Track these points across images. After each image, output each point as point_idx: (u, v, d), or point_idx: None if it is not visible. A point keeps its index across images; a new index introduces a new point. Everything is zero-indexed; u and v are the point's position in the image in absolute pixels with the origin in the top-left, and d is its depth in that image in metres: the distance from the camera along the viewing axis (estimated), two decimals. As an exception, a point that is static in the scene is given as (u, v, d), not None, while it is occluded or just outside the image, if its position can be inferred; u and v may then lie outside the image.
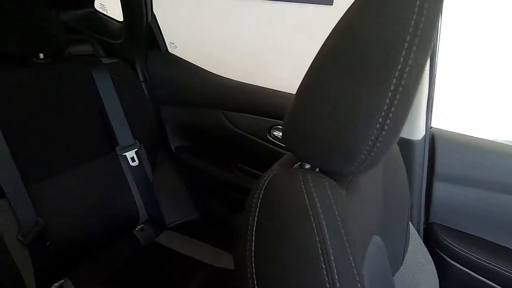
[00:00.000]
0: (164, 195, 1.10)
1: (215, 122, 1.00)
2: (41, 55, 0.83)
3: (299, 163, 0.36)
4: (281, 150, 0.91)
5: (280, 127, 0.91)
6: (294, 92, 0.34)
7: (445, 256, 0.76)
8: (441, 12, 0.37)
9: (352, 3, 0.30)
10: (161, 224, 1.09)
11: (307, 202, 0.29)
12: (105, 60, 0.96)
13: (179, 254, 0.93)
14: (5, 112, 0.71)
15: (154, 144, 1.09)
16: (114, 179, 0.95)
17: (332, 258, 0.26)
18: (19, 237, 0.71)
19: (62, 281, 0.81)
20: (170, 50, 1.08)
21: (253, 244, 0.30)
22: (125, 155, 0.96)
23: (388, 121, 0.27)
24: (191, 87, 1.02)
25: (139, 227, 1.04)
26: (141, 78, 1.06)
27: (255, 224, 0.30)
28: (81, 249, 0.86)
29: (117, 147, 0.94)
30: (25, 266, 0.73)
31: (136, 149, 0.98)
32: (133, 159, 0.97)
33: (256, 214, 0.31)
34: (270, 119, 0.91)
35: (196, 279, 0.82)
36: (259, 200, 0.32)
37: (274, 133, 0.92)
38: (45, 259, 0.76)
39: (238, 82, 0.99)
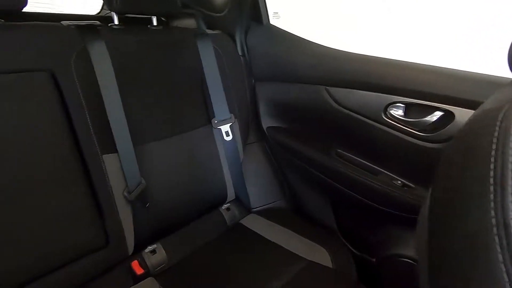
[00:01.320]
0: (252, 177, 1.05)
1: (316, 100, 0.89)
2: (154, 22, 0.85)
3: None
4: (399, 134, 0.75)
5: (400, 104, 0.75)
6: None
7: None
8: None
9: None
10: (246, 206, 1.04)
11: None
12: (209, 32, 0.95)
13: (268, 241, 0.85)
14: (121, 75, 0.73)
15: (247, 122, 1.04)
16: (208, 152, 0.93)
17: None
18: (125, 193, 0.72)
19: (155, 245, 0.81)
20: (273, 20, 1.02)
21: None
22: (220, 129, 0.93)
23: None
24: (292, 60, 0.94)
25: (225, 205, 1.01)
26: (240, 52, 1.02)
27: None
28: (173, 217, 0.85)
29: (213, 119, 0.92)
30: (127, 225, 0.74)
31: (230, 123, 0.94)
32: (227, 134, 0.94)
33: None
34: (386, 95, 0.76)
35: (291, 271, 0.73)
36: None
37: (391, 112, 0.77)
38: (143, 221, 0.77)
39: (346, 53, 0.86)
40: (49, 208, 0.62)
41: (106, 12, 1.13)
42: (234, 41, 1.01)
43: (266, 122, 1.06)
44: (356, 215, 0.97)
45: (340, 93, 0.84)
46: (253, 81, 1.05)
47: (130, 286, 0.71)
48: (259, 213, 1.00)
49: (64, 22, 0.71)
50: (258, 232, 0.90)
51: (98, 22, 0.76)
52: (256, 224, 0.94)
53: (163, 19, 1.06)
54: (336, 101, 0.85)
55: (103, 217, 0.70)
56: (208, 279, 0.74)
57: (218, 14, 1.03)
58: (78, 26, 0.70)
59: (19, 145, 0.59)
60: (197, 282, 0.73)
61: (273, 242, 0.84)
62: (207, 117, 0.92)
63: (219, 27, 1.02)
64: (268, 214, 0.98)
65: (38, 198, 0.61)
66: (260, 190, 1.06)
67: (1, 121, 0.57)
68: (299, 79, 0.92)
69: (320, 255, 0.78)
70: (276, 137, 1.03)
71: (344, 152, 0.91)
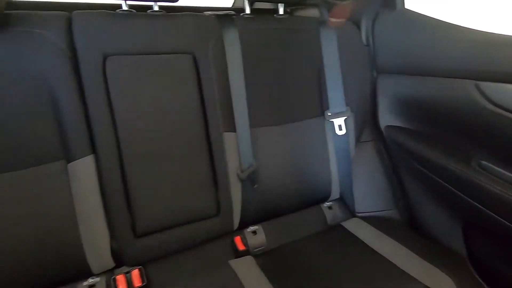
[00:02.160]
0: (361, 178, 0.96)
1: (458, 98, 0.73)
2: (281, 11, 0.88)
3: None
4: None
5: None
6: None
7: None
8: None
9: None
10: (350, 209, 0.96)
11: None
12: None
13: (373, 251, 0.75)
14: (247, 60, 0.77)
15: (363, 118, 0.95)
16: (316, 145, 0.90)
17: None
18: (238, 171, 0.77)
19: (257, 227, 0.84)
20: (408, 4, 0.90)
21: None
22: (332, 121, 0.88)
23: None
24: (431, 50, 0.80)
25: (328, 203, 0.96)
26: (365, 42, 0.94)
27: None
28: (277, 203, 0.86)
29: (327, 111, 0.88)
30: (236, 200, 0.79)
31: (346, 117, 0.88)
32: (340, 127, 0.88)
33: None
34: None
35: None
36: None
37: None
38: (250, 201, 0.80)
39: (508, 37, 0.67)
40: (178, 174, 0.72)
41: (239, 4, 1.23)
42: (359, 29, 0.94)
43: (385, 120, 0.95)
44: (498, 244, 0.75)
45: (496, 89, 0.66)
46: (375, 73, 0.95)
47: (231, 259, 0.75)
48: (364, 219, 0.91)
49: (206, 13, 0.80)
50: (361, 238, 0.81)
51: (233, 12, 0.83)
52: (360, 229, 0.85)
53: (287, 10, 1.08)
54: (489, 100, 0.68)
55: (217, 188, 0.76)
56: (304, 273, 0.71)
57: (344, 2, 0.97)
58: (217, 16, 0.78)
59: (162, 115, 0.69)
60: (293, 273, 0.71)
61: (380, 254, 0.74)
62: (321, 109, 0.89)
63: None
64: (375, 222, 0.88)
65: (172, 164, 0.71)
66: (368, 194, 0.96)
67: (155, 92, 0.68)
68: (438, 72, 0.78)
69: (443, 284, 0.64)
70: (396, 138, 0.90)
71: (491, 165, 0.71)
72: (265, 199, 0.83)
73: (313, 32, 0.86)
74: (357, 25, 0.94)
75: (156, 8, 0.74)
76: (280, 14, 0.88)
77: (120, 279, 0.67)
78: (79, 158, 0.62)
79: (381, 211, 0.95)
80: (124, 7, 0.70)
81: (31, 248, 0.60)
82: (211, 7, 0.92)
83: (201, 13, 0.78)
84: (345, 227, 0.87)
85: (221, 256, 0.78)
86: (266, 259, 0.76)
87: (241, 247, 0.78)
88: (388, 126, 0.94)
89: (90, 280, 0.66)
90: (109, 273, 0.69)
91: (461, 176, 0.73)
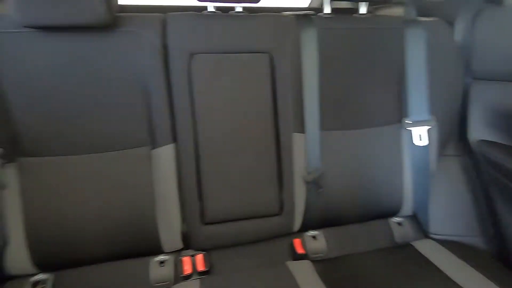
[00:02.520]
0: (440, 196, 0.85)
1: None
2: (362, 10, 0.83)
3: None
4: None
5: None
6: None
7: None
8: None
9: None
10: (422, 228, 0.87)
11: None
12: (422, 19, 0.83)
13: (452, 281, 0.66)
14: (324, 61, 0.76)
15: (449, 129, 0.85)
16: (390, 154, 0.83)
17: None
18: (304, 173, 0.76)
19: (317, 232, 0.82)
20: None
21: None
22: (410, 130, 0.81)
23: None
24: None
25: (397, 219, 0.88)
26: (460, 44, 0.83)
27: None
28: (341, 211, 0.82)
29: (405, 118, 0.80)
30: (299, 202, 0.78)
31: (429, 127, 0.79)
32: (420, 138, 0.80)
33: None
34: None
35: None
36: None
37: None
38: (313, 204, 0.79)
39: None
40: (247, 169, 0.74)
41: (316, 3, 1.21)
42: (453, 29, 0.84)
43: (477, 134, 0.83)
44: None
45: None
46: (469, 79, 0.83)
47: (288, 260, 0.75)
48: (439, 241, 0.81)
49: (285, 13, 0.81)
50: (434, 262, 0.72)
51: (312, 12, 0.82)
52: (433, 252, 0.76)
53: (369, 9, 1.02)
54: None
55: (282, 188, 0.77)
56: (365, 287, 0.67)
57: (434, 0, 0.88)
58: (296, 16, 0.78)
59: (236, 111, 0.72)
60: (354, 285, 0.68)
61: (455, 283, 0.65)
62: (399, 116, 0.82)
63: (437, 13, 0.87)
64: (453, 246, 0.78)
65: (241, 159, 0.73)
66: (447, 215, 0.85)
67: (232, 89, 0.72)
68: None
69: None
70: (490, 154, 0.78)
71: None
72: (328, 205, 0.80)
73: (397, 33, 0.80)
74: (451, 24, 0.84)
75: (238, 9, 0.77)
76: (362, 14, 0.83)
77: (186, 261, 0.72)
78: (161, 146, 0.69)
79: (461, 236, 0.84)
80: (210, 9, 0.75)
81: (114, 220, 0.68)
82: (290, 8, 0.92)
83: (279, 13, 0.79)
84: (416, 247, 0.79)
85: (279, 256, 0.78)
86: (325, 266, 0.74)
87: (299, 250, 0.77)
88: (481, 141, 0.81)
89: (161, 257, 0.73)
90: (177, 253, 0.75)
91: None
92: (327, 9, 0.83)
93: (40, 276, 0.67)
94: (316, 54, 0.75)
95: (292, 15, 0.79)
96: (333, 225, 0.84)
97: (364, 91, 0.80)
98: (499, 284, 0.64)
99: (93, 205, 0.67)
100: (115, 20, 0.66)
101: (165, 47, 0.69)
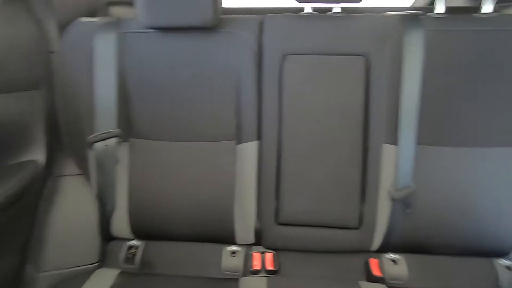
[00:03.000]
0: None
1: None
2: (487, 9, 0.71)
3: None
4: None
5: None
6: None
7: None
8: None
9: None
10: None
11: None
12: None
13: None
14: (430, 66, 0.67)
15: None
16: (506, 180, 0.69)
17: None
18: (391, 188, 0.69)
19: (398, 257, 0.73)
20: None
21: None
22: None
23: None
24: None
25: (506, 262, 0.72)
26: None
27: None
28: (432, 237, 0.72)
29: None
30: (381, 219, 0.71)
31: None
32: None
33: None
34: None
35: None
36: None
37: None
38: (398, 225, 0.71)
39: None
40: (328, 176, 0.71)
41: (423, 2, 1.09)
42: None
43: None
44: None
45: None
46: None
47: (361, 280, 0.69)
48: None
49: (388, 13, 0.74)
50: None
51: (420, 12, 0.73)
52: None
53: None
54: None
55: (364, 201, 0.71)
56: None
57: None
58: (400, 16, 0.71)
59: (324, 115, 0.70)
60: None
61: None
62: None
63: None
64: None
65: (323, 166, 0.71)
66: None
67: (322, 92, 0.70)
68: None
69: None
70: None
71: None
72: (416, 229, 0.71)
73: None
74: None
75: (337, 9, 0.74)
76: (485, 13, 0.70)
77: (256, 256, 0.74)
78: (246, 142, 0.72)
79: None
80: (307, 10, 0.75)
81: (198, 204, 0.74)
82: (395, 8, 0.84)
83: (381, 14, 0.74)
84: None
85: (352, 273, 0.73)
86: None
87: (376, 271, 0.70)
88: None
89: (233, 247, 0.76)
90: (248, 247, 0.77)
91: None
92: (439, 8, 0.73)
93: (134, 242, 0.78)
94: (421, 58, 0.67)
95: (396, 15, 0.72)
96: (418, 252, 0.74)
97: (482, 105, 0.68)
98: None
99: (183, 187, 0.74)
100: (219, 22, 0.71)
101: (260, 47, 0.71)
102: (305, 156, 0.71)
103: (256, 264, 0.72)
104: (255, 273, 0.72)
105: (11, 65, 0.64)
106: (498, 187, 0.69)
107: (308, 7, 0.75)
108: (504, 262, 0.72)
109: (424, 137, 0.69)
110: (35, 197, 0.73)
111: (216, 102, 0.72)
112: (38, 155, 0.71)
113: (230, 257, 0.75)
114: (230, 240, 0.76)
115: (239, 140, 0.73)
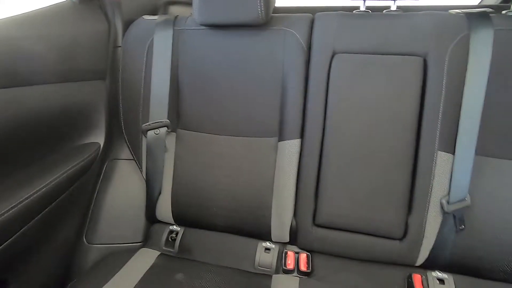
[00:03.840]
0: None
1: None
2: None
3: None
4: None
5: None
6: None
7: None
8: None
9: None
10: None
11: None
12: None
13: None
14: (498, 69, 0.60)
15: None
16: None
17: None
18: (443, 200, 0.64)
19: (446, 276, 0.67)
20: None
21: None
22: None
23: None
24: None
25: None
26: None
27: None
28: (485, 258, 0.64)
29: None
30: (429, 233, 0.66)
31: None
32: None
33: None
34: None
35: None
36: None
37: None
38: (449, 242, 0.65)
39: None
40: (372, 182, 0.68)
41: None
42: None
43: None
44: None
45: None
46: None
47: None
48: None
49: (452, 11, 0.69)
50: None
51: (491, 10, 0.67)
52: None
53: None
54: None
55: (411, 211, 0.67)
56: None
57: None
58: (467, 14, 0.66)
59: (372, 118, 0.67)
60: None
61: None
62: None
63: None
64: None
65: (368, 170, 0.68)
66: None
67: (371, 93, 0.67)
68: None
69: None
70: None
71: None
72: (469, 249, 0.64)
73: None
74: None
75: (393, 7, 0.71)
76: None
77: (290, 255, 0.73)
78: (288, 139, 0.72)
79: None
80: (362, 8, 0.72)
81: (238, 197, 0.75)
82: (459, 6, 0.78)
83: (443, 12, 0.68)
84: None
85: (392, 284, 0.68)
86: None
87: (419, 286, 0.65)
88: None
89: (268, 244, 0.76)
90: (282, 246, 0.77)
91: None
92: None
93: (175, 227, 0.82)
94: (489, 60, 0.60)
95: (461, 13, 0.66)
96: (469, 274, 0.67)
97: None
98: None
99: (223, 180, 0.76)
100: (270, 20, 0.72)
101: (310, 45, 0.71)
102: (349, 158, 0.68)
103: (290, 263, 0.72)
104: (287, 272, 0.72)
105: (81, 57, 0.72)
106: None
107: (362, 6, 0.73)
108: None
109: (485, 148, 0.62)
110: (94, 176, 0.81)
111: (262, 99, 0.73)
112: (99, 138, 0.79)
113: (264, 253, 0.75)
114: (265, 236, 0.76)
115: (282, 137, 0.73)
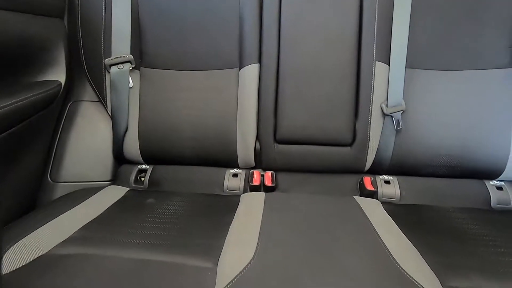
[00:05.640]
0: None
1: None
2: None
3: None
4: None
5: None
6: None
7: None
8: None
9: None
10: None
11: None
12: None
13: None
14: None
15: None
16: (497, 104, 0.72)
17: None
18: (383, 104, 0.73)
19: (391, 178, 0.76)
20: None
21: None
22: None
23: None
24: None
25: (497, 182, 0.75)
26: None
27: None
28: (423, 159, 0.75)
29: None
30: (374, 136, 0.75)
31: None
32: None
33: None
34: None
35: None
36: None
37: None
38: (389, 143, 0.75)
39: None
40: (323, 94, 0.75)
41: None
42: None
43: None
44: None
45: None
46: None
47: (356, 195, 0.73)
48: None
49: None
50: None
51: None
52: None
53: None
54: None
55: (357, 118, 0.76)
56: (445, 236, 0.58)
57: None
58: None
59: (320, 36, 0.75)
60: (429, 228, 0.61)
61: None
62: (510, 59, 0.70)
63: None
64: None
65: (319, 84, 0.75)
66: None
67: (317, 16, 0.75)
68: None
69: None
70: None
71: None
72: (407, 150, 0.75)
73: None
74: None
75: None
76: None
77: (256, 174, 0.78)
78: (247, 65, 0.77)
79: None
80: None
81: (204, 129, 0.79)
82: None
83: None
84: None
85: (347, 191, 0.76)
86: (396, 208, 0.69)
87: (369, 186, 0.74)
88: None
89: (236, 170, 0.81)
90: (249, 170, 0.82)
91: None
92: None
93: (144, 166, 0.84)
94: None
95: None
96: (410, 174, 0.77)
97: (469, 30, 0.72)
98: None
99: (189, 113, 0.80)
100: None
101: None
102: (302, 75, 0.75)
103: (256, 180, 0.77)
104: (254, 188, 0.77)
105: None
106: (491, 110, 0.72)
107: None
108: (495, 183, 0.75)
109: (414, 61, 0.73)
110: (56, 116, 0.80)
111: (222, 31, 0.78)
112: (59, 76, 0.78)
113: (232, 178, 0.80)
114: (232, 163, 0.81)
115: (242, 65, 0.78)
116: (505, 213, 0.68)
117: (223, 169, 0.82)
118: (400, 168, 0.77)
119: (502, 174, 0.73)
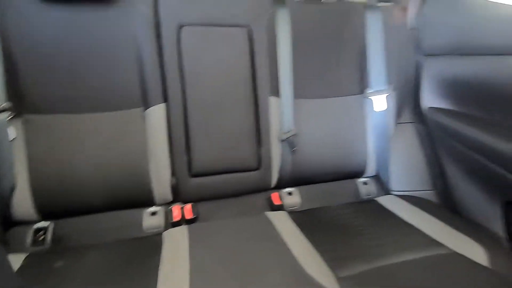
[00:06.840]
0: (398, 158, 0.98)
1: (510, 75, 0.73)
2: None
3: None
4: None
5: None
6: None
7: None
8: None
9: None
10: (385, 187, 0.98)
11: None
12: (381, 4, 0.96)
13: (403, 221, 0.78)
14: (296, 37, 0.87)
15: (404, 98, 0.98)
16: (355, 120, 0.95)
17: None
18: (279, 133, 0.87)
19: (293, 189, 0.92)
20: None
21: None
22: (371, 99, 0.93)
23: None
24: (482, 29, 0.80)
25: (363, 179, 1.00)
26: (411, 25, 0.97)
27: None
28: (312, 171, 0.93)
29: (367, 89, 0.93)
30: (275, 159, 0.89)
31: (386, 94, 0.92)
32: (379, 105, 0.92)
33: None
34: None
35: (422, 253, 0.64)
36: None
37: None
38: (288, 162, 0.90)
39: None
40: (229, 127, 0.84)
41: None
42: (406, 13, 0.97)
43: (429, 102, 0.96)
44: None
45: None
46: (420, 56, 0.97)
47: (267, 211, 0.85)
48: (399, 196, 0.93)
49: None
50: (393, 211, 0.84)
51: None
52: (393, 205, 0.88)
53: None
54: None
55: (260, 145, 0.87)
56: (336, 230, 0.76)
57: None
58: None
59: (221, 76, 0.83)
60: (325, 228, 0.78)
61: (410, 224, 0.76)
62: (362, 87, 0.94)
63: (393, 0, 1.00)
64: (410, 199, 0.90)
65: (224, 118, 0.84)
66: (405, 174, 0.98)
67: (217, 58, 0.82)
68: (490, 50, 0.78)
69: (470, 250, 0.65)
70: (440, 119, 0.91)
71: None
72: (302, 165, 0.91)
73: (359, 16, 0.92)
74: (405, 9, 0.97)
75: None
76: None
77: (176, 209, 0.81)
78: (153, 105, 0.78)
79: (418, 191, 0.96)
80: None
81: (111, 173, 0.76)
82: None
83: None
84: (379, 202, 0.91)
85: (259, 208, 0.88)
86: (300, 216, 0.84)
87: (277, 201, 0.87)
88: (431, 108, 0.94)
89: (153, 208, 0.81)
90: (167, 205, 0.83)
91: (507, 153, 0.72)
92: None
93: (42, 224, 0.74)
94: (289, 30, 0.86)
95: None
96: (306, 183, 0.95)
97: (332, 66, 0.92)
98: (449, 224, 0.75)
99: (91, 159, 0.75)
100: None
101: (157, 18, 0.79)
102: (208, 111, 0.82)
103: (176, 215, 0.80)
104: (176, 224, 0.79)
105: None
106: (352, 125, 0.95)
107: None
108: (361, 179, 1.00)
109: (299, 92, 0.89)
110: None
111: (118, 72, 0.76)
112: None
113: (150, 217, 0.80)
114: (149, 202, 0.81)
115: (147, 105, 0.78)
116: (371, 202, 0.92)
117: (138, 209, 0.81)
118: (299, 180, 0.93)
119: (365, 172, 0.98)
